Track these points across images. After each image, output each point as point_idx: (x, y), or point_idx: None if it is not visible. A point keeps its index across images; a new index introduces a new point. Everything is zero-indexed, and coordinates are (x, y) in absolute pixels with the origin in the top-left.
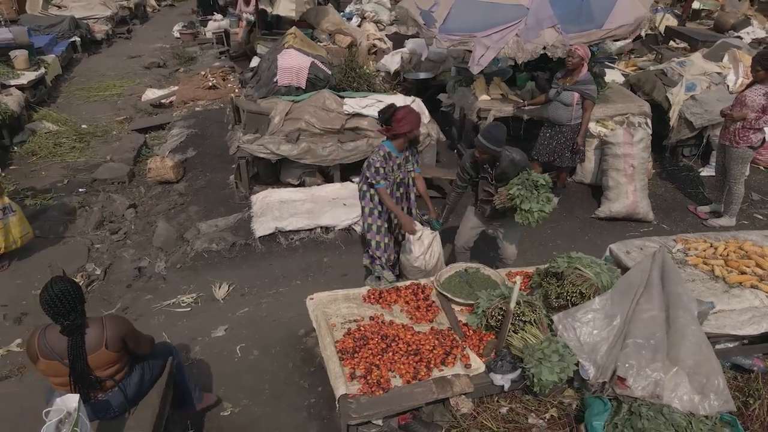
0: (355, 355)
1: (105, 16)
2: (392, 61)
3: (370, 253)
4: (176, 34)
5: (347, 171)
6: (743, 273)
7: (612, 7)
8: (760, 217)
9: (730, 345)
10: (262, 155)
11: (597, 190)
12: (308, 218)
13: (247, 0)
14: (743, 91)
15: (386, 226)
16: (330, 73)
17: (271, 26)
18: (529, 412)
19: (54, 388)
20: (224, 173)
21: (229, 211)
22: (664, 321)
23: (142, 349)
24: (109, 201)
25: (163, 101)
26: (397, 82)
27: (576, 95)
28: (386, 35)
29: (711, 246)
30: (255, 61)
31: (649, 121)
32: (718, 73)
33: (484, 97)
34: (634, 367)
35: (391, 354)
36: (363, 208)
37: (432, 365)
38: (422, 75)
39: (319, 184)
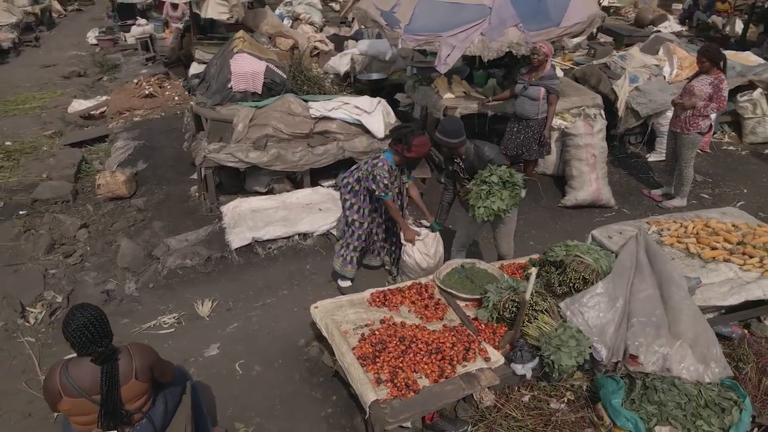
0: (377, 359)
1: (9, 24)
2: (341, 63)
3: (342, 243)
4: (93, 41)
5: (316, 175)
6: (714, 248)
7: (567, 6)
8: (706, 196)
9: (710, 315)
10: (230, 164)
11: (559, 181)
12: (285, 226)
13: (174, 4)
14: (690, 81)
15: (367, 222)
16: (285, 77)
17: (205, 30)
18: (549, 397)
19: (76, 428)
20: (183, 185)
21: (198, 224)
22: (659, 299)
23: (167, 377)
24: (56, 222)
25: (93, 112)
26: (348, 83)
27: (542, 90)
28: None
29: (681, 226)
30: (194, 67)
31: (603, 112)
32: (656, 65)
33: (449, 95)
34: (643, 345)
35: (412, 355)
36: (347, 218)
37: (455, 362)
38: (375, 76)
39: (288, 191)
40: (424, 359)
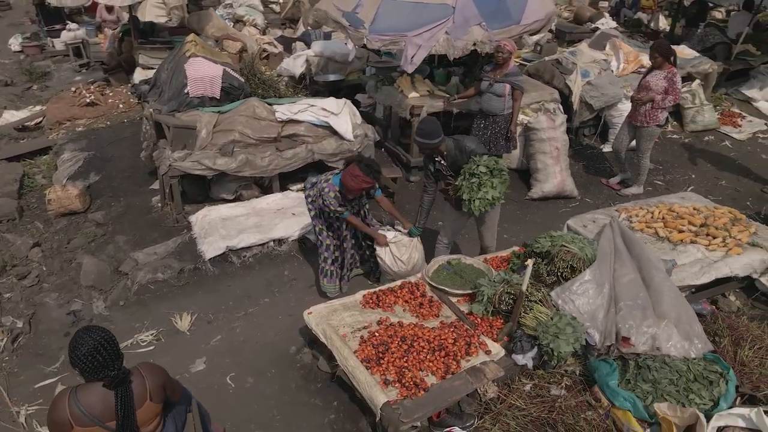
0: (381, 361)
1: None
2: (295, 65)
3: (320, 261)
4: (16, 48)
5: (284, 179)
6: (681, 231)
7: (525, 5)
8: (659, 182)
9: (683, 294)
10: (197, 172)
11: (523, 174)
12: (259, 233)
13: (109, 7)
14: (644, 77)
15: (336, 243)
16: (243, 80)
17: (146, 34)
18: (549, 385)
19: None
20: (143, 196)
21: (166, 235)
22: (641, 282)
23: (177, 395)
24: (3, 242)
25: (27, 124)
26: (304, 85)
27: (507, 86)
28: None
29: (648, 212)
30: (140, 73)
31: (560, 106)
32: (605, 60)
33: (414, 94)
34: (633, 327)
35: (415, 354)
36: (315, 228)
37: (459, 357)
38: (332, 77)
39: (257, 196)
40: (428, 357)
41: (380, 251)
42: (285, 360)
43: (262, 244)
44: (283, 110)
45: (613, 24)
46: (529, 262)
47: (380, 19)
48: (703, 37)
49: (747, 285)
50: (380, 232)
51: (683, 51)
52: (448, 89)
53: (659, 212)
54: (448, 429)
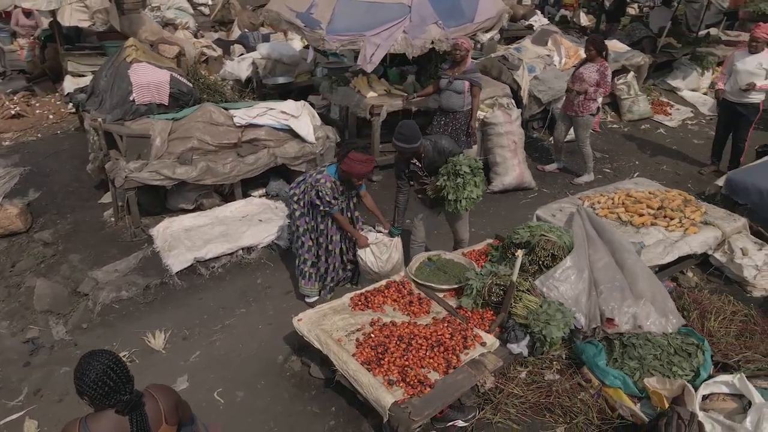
0: (381, 362)
1: None
2: (240, 68)
3: (298, 260)
4: None
5: (245, 186)
6: (642, 215)
7: (478, 3)
8: (608, 170)
9: None
10: (156, 182)
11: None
12: (227, 242)
13: (27, 12)
14: (578, 69)
15: (318, 242)
16: (191, 85)
17: (72, 40)
18: (542, 371)
19: None
20: (93, 211)
21: (124, 251)
22: (615, 265)
23: (187, 416)
24: None
25: None
26: (251, 89)
27: (467, 83)
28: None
29: (609, 198)
30: (71, 81)
31: (513, 101)
32: (548, 55)
33: (372, 93)
34: (615, 308)
35: (414, 352)
36: (298, 228)
37: (458, 351)
38: (281, 79)
39: (219, 205)
40: (428, 354)
41: (361, 252)
42: (273, 370)
43: (231, 254)
44: (241, 115)
45: (545, 21)
46: (519, 253)
47: (337, 20)
48: (631, 32)
49: (701, 261)
50: (362, 233)
51: (615, 45)
52: (405, 88)
53: (619, 198)
54: (451, 423)
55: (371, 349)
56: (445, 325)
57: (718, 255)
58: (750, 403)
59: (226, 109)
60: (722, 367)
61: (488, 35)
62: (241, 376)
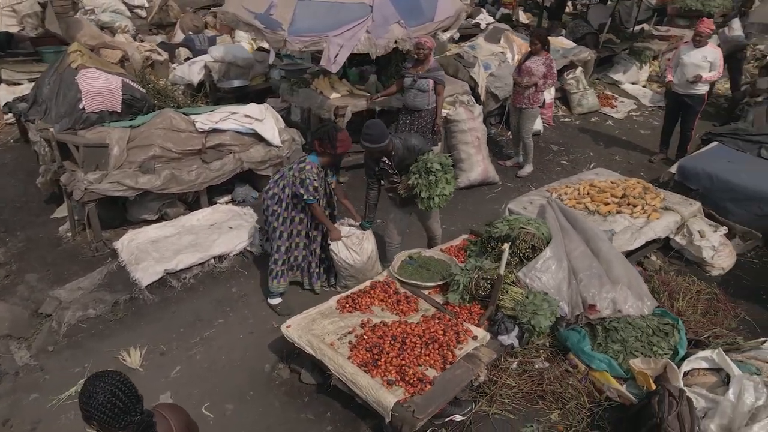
0: (378, 363)
1: None
2: (191, 72)
3: (270, 262)
4: None
5: (209, 194)
6: (607, 204)
7: (437, 2)
8: (565, 162)
9: None
10: (118, 193)
11: None
12: (198, 251)
13: None
14: (524, 63)
15: (292, 232)
16: (144, 91)
17: (3, 46)
18: (531, 360)
19: None
20: (45, 227)
21: (87, 267)
22: (590, 253)
23: None
24: None
25: None
26: (204, 93)
27: (431, 82)
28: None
29: (574, 189)
30: (6, 90)
31: (473, 98)
32: (501, 52)
33: (335, 95)
34: (596, 294)
35: (409, 350)
36: (274, 229)
37: (452, 347)
38: (236, 83)
39: (184, 213)
40: (423, 351)
41: (334, 246)
42: (261, 380)
43: (202, 263)
44: (203, 120)
45: (491, 19)
46: (505, 246)
47: (298, 20)
48: (574, 29)
49: (663, 245)
50: (335, 225)
51: (562, 42)
52: (367, 88)
53: (584, 188)
54: (449, 418)
55: (366, 351)
56: (436, 321)
57: (678, 238)
58: (728, 377)
59: (186, 114)
60: (695, 344)
61: (448, 34)
62: (228, 389)
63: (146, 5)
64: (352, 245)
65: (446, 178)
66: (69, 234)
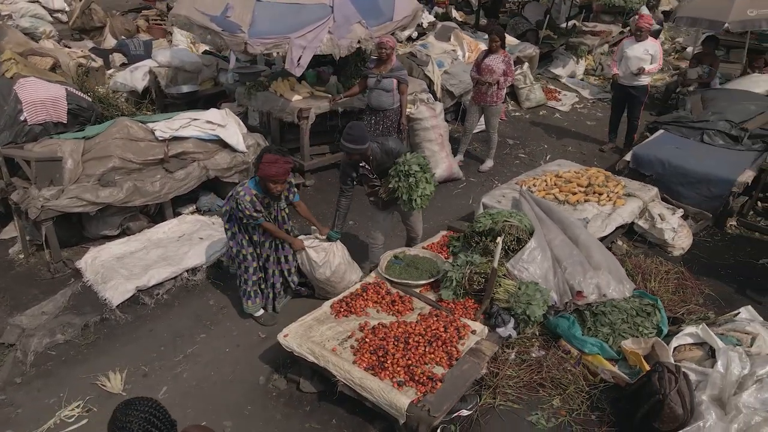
0: (385, 365)
1: None
2: (134, 78)
3: (239, 281)
4: None
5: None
6: (575, 193)
7: (394, 2)
8: (523, 155)
9: None
10: (78, 209)
11: None
12: (169, 265)
13: None
14: (483, 61)
15: (259, 255)
16: (90, 100)
17: None
18: (526, 349)
19: None
20: None
21: (48, 290)
22: (569, 241)
23: None
24: None
25: None
26: (149, 100)
27: (395, 81)
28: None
29: (542, 180)
30: None
31: (432, 96)
32: (453, 50)
33: (297, 97)
34: (582, 281)
35: (413, 350)
36: (234, 251)
37: (455, 343)
38: (186, 88)
39: (148, 227)
40: (427, 350)
41: (299, 258)
42: (257, 392)
43: (175, 278)
44: (162, 128)
45: (431, 18)
46: (499, 240)
47: (258, 22)
48: (515, 26)
49: (626, 230)
50: (298, 238)
51: (508, 39)
52: (328, 89)
53: (551, 179)
54: (456, 414)
55: (371, 354)
56: (435, 319)
57: (641, 222)
58: (712, 350)
59: (142, 122)
60: (672, 321)
61: (406, 33)
62: (223, 405)
63: (67, 9)
64: (317, 259)
65: (426, 178)
66: (21, 256)
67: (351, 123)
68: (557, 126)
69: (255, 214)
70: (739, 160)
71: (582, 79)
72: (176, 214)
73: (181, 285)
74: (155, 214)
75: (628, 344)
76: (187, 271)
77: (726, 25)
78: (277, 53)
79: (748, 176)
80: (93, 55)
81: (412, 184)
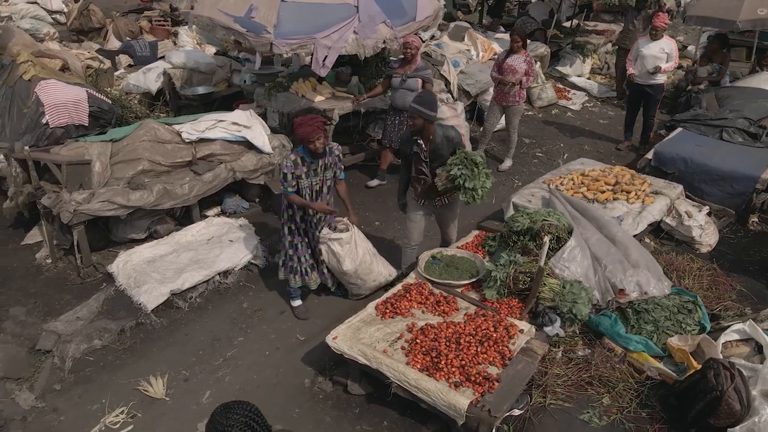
0: (439, 365)
1: None
2: (148, 80)
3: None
4: None
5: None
6: (603, 192)
7: (417, 2)
8: (540, 154)
9: None
10: (110, 213)
11: None
12: (202, 268)
13: None
14: (505, 61)
15: (292, 229)
16: (110, 102)
17: None
18: (572, 348)
19: None
20: (17, 254)
21: (80, 295)
22: (606, 239)
23: None
24: None
25: None
26: (163, 101)
27: (420, 81)
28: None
29: (569, 179)
30: None
31: (451, 96)
32: (468, 50)
33: (319, 98)
34: (623, 279)
35: (465, 350)
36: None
37: (506, 342)
38: (201, 89)
39: (176, 230)
40: (479, 350)
41: (326, 256)
42: (303, 395)
43: (207, 281)
44: (188, 129)
45: None
46: (546, 239)
47: (284, 23)
48: (522, 25)
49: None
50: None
51: None
52: (349, 89)
53: (577, 178)
54: (508, 414)
55: (424, 355)
56: (483, 319)
57: (668, 220)
58: (758, 346)
59: (168, 124)
60: (711, 318)
61: (428, 33)
62: (269, 409)
63: (65, 10)
64: (341, 252)
65: (486, 173)
66: (48, 261)
67: (424, 90)
68: (570, 125)
69: (289, 176)
70: (760, 157)
71: (588, 78)
72: (202, 217)
73: (213, 288)
74: (180, 217)
75: (674, 341)
76: (219, 274)
77: (737, 23)
78: (298, 53)
79: None
80: (101, 57)
81: (475, 173)
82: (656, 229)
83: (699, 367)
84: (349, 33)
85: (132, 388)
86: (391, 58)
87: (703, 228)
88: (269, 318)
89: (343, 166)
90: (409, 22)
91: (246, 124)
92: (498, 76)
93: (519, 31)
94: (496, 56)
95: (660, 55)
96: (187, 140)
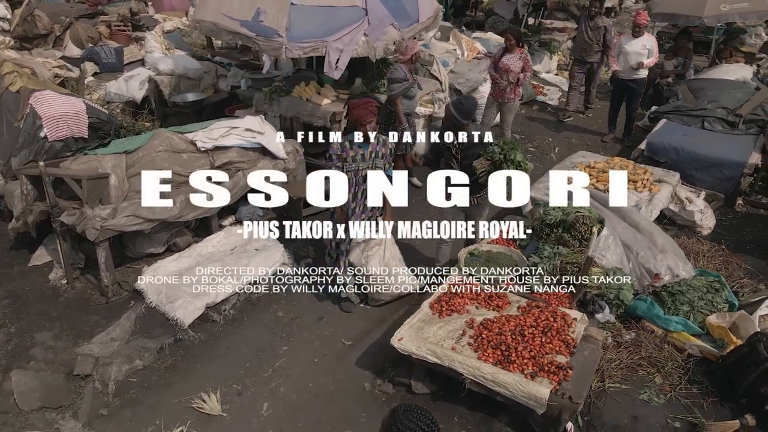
0: (511, 358)
1: None
2: (131, 88)
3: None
4: None
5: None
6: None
7: (417, 3)
8: (533, 149)
9: None
10: (135, 228)
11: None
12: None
13: None
14: (500, 60)
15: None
16: (108, 113)
17: None
18: (618, 332)
19: None
20: (28, 276)
21: (108, 315)
22: (630, 227)
23: None
24: None
25: None
26: (149, 110)
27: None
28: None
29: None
30: None
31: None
32: (454, 50)
33: (326, 101)
34: (655, 264)
35: (531, 341)
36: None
37: (567, 331)
38: (191, 96)
39: (196, 242)
40: (544, 340)
41: (352, 257)
42: (366, 399)
43: (239, 292)
44: (203, 137)
45: None
46: (595, 229)
47: (295, 26)
48: (494, 24)
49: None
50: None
51: (492, 37)
52: (352, 92)
53: (585, 171)
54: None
55: (493, 349)
56: (538, 310)
57: (671, 206)
58: None
59: (180, 132)
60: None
61: (430, 34)
62: (335, 415)
63: (8, 16)
64: (370, 251)
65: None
66: (64, 281)
67: (465, 95)
68: (553, 119)
69: (334, 158)
70: (744, 143)
71: (556, 74)
72: (219, 227)
73: (245, 299)
74: (196, 228)
75: (713, 319)
76: (249, 284)
77: (703, 19)
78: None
79: (756, 158)
80: (68, 65)
81: (516, 150)
82: (659, 215)
83: (738, 342)
84: (360, 35)
85: (185, 407)
86: (399, 66)
87: (702, 212)
88: (308, 325)
89: (392, 162)
90: (413, 23)
91: (260, 130)
92: (494, 74)
93: (512, 29)
94: (480, 55)
95: (642, 51)
96: (202, 149)
